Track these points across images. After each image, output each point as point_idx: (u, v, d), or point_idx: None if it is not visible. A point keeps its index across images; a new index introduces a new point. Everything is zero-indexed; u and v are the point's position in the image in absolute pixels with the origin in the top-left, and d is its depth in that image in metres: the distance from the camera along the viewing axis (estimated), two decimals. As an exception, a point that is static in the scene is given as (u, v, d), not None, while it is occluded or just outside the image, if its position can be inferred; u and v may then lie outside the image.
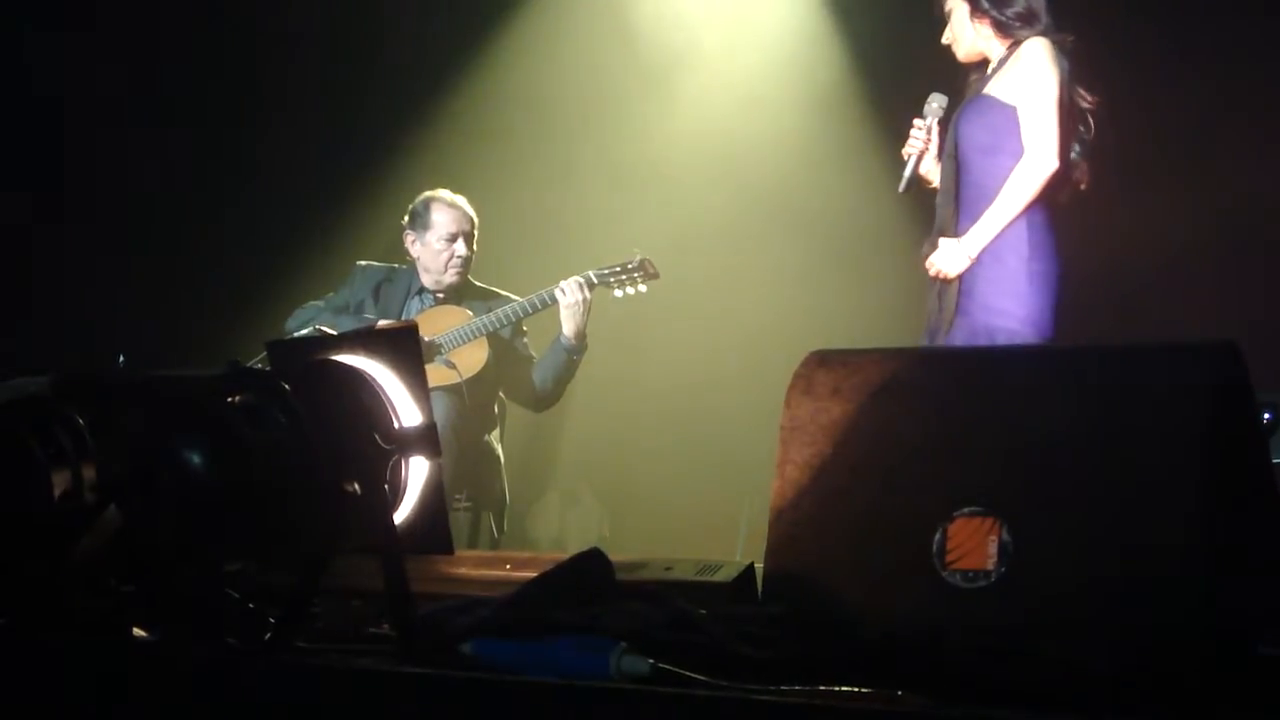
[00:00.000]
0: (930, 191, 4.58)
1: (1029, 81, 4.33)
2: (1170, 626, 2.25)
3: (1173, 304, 5.72)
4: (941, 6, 4.58)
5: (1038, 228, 4.34)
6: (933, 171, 4.56)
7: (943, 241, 4.37)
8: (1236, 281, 5.78)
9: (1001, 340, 4.26)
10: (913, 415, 2.60)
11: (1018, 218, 4.31)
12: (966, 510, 2.46)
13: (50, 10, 6.45)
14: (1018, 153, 4.35)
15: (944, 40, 4.57)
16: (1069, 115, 4.35)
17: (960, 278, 4.36)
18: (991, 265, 4.34)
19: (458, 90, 7.17)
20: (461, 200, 5.48)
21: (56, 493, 2.55)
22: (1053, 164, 4.30)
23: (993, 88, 4.42)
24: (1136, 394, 2.44)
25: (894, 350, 2.80)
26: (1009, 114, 4.36)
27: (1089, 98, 4.43)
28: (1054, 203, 4.39)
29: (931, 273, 4.38)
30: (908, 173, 4.53)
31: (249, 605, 2.42)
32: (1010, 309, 4.30)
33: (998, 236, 4.32)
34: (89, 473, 2.57)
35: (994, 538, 2.43)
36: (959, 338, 4.33)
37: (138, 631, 2.50)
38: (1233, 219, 5.72)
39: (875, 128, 6.54)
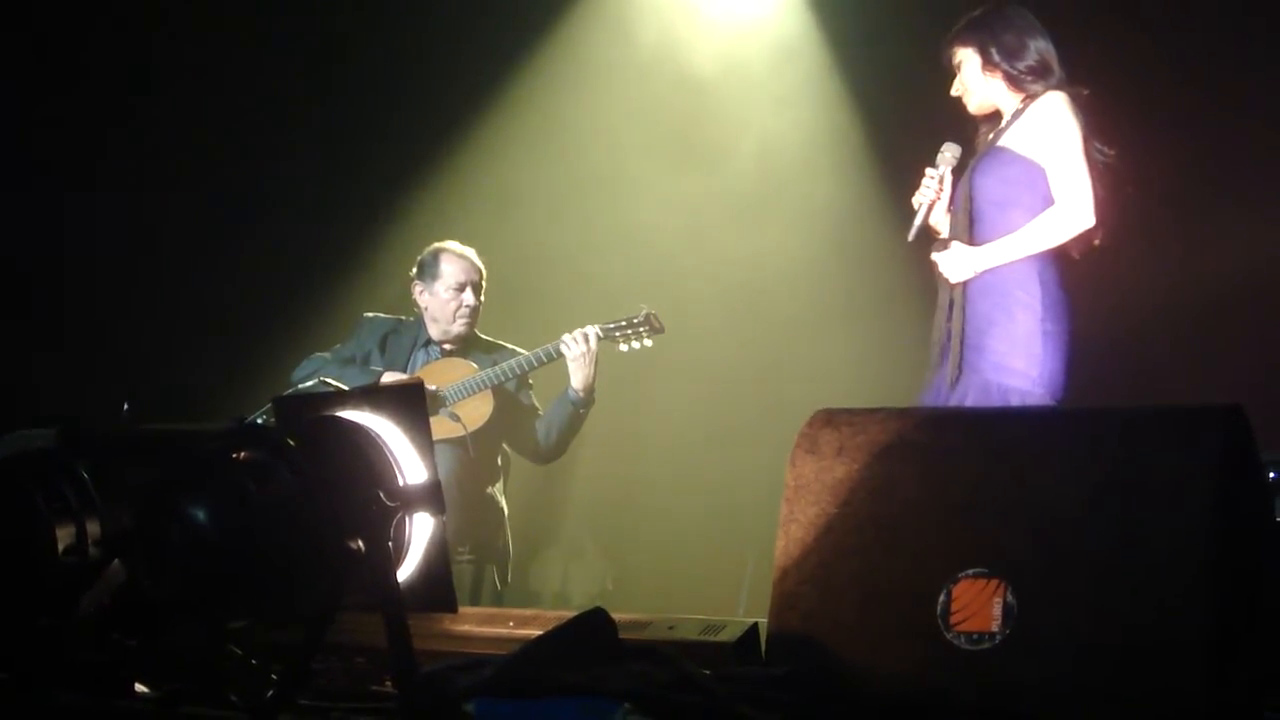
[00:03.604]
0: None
1: (1053, 136, 4.31)
2: (1177, 691, 2.24)
3: (1190, 361, 5.68)
4: (950, 59, 4.57)
5: (1051, 286, 4.31)
6: (943, 222, 4.54)
7: (955, 244, 4.35)
8: (1258, 335, 5.74)
9: (1014, 400, 4.23)
10: (917, 476, 2.60)
11: (1030, 271, 4.29)
12: (971, 572, 2.46)
13: (56, 75, 6.50)
14: (1033, 207, 4.32)
15: (953, 92, 4.56)
16: (1091, 169, 4.33)
17: (965, 332, 4.34)
18: (1004, 324, 4.29)
19: (465, 143, 7.19)
20: (470, 251, 5.49)
21: (60, 547, 2.55)
22: (1089, 220, 4.28)
23: (1009, 140, 4.39)
24: (1142, 456, 2.44)
25: (898, 410, 2.80)
26: (1027, 167, 4.34)
27: (1106, 151, 4.41)
28: (1067, 258, 4.37)
29: (934, 263, 4.38)
30: (918, 222, 4.50)
31: (252, 662, 2.42)
32: (1023, 369, 4.26)
33: (1008, 294, 4.29)
34: (93, 527, 2.58)
35: (999, 599, 2.43)
36: (970, 395, 4.29)
37: (140, 687, 2.49)
38: (1241, 278, 5.70)
39: (885, 179, 6.54)
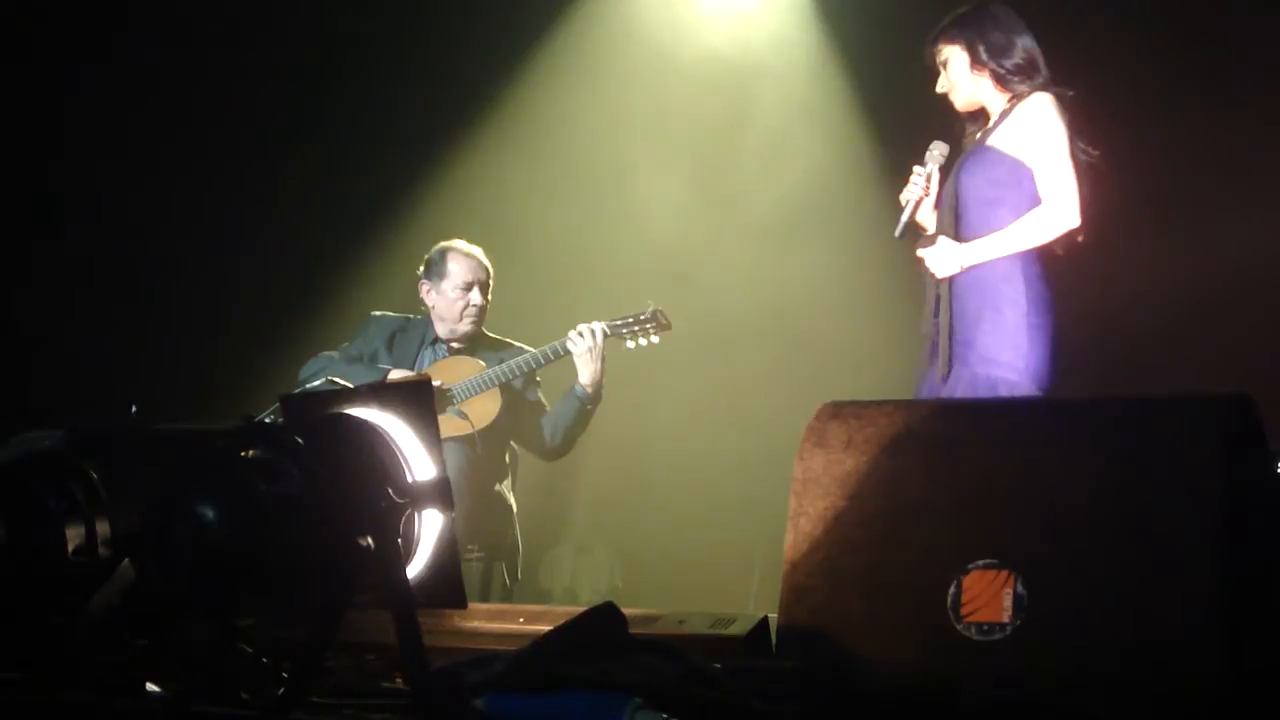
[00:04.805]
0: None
1: (1039, 136, 4.34)
2: (1188, 680, 2.24)
3: (1172, 357, 5.70)
4: (935, 56, 4.59)
5: (1035, 282, 4.35)
6: (930, 219, 4.57)
7: (942, 239, 4.38)
8: (1238, 333, 5.75)
9: (1003, 391, 4.27)
10: (926, 467, 2.60)
11: (1015, 267, 4.32)
12: (981, 563, 2.46)
13: (57, 75, 6.51)
14: (1019, 206, 4.36)
15: (939, 89, 4.58)
16: (1076, 169, 4.36)
17: (953, 327, 4.37)
18: (992, 319, 4.35)
19: (470, 142, 7.20)
20: (477, 250, 5.49)
21: (70, 547, 2.55)
22: (1074, 220, 4.32)
23: (996, 140, 4.43)
24: (1150, 446, 2.44)
25: (906, 402, 2.80)
26: (1013, 167, 4.37)
27: (1091, 151, 4.44)
28: (1052, 255, 4.40)
29: (920, 258, 4.40)
30: (905, 218, 4.54)
31: (263, 660, 2.42)
32: (1010, 361, 4.31)
33: (995, 290, 4.32)
34: (103, 526, 2.58)
35: (1009, 590, 2.43)
36: (960, 388, 4.33)
37: (151, 686, 2.49)
38: (1225, 274, 5.71)
39: (889, 174, 6.53)
